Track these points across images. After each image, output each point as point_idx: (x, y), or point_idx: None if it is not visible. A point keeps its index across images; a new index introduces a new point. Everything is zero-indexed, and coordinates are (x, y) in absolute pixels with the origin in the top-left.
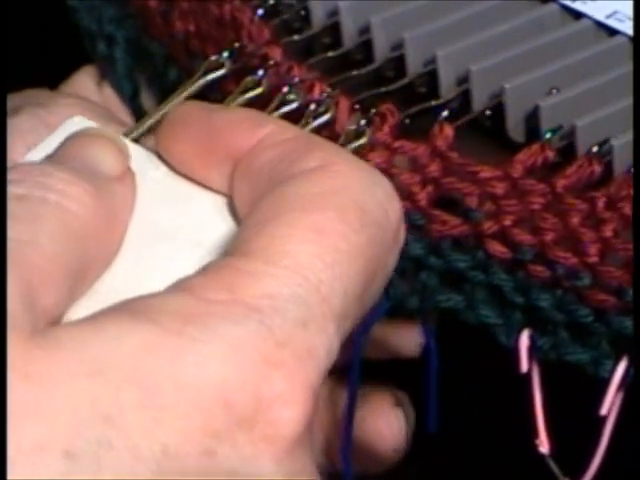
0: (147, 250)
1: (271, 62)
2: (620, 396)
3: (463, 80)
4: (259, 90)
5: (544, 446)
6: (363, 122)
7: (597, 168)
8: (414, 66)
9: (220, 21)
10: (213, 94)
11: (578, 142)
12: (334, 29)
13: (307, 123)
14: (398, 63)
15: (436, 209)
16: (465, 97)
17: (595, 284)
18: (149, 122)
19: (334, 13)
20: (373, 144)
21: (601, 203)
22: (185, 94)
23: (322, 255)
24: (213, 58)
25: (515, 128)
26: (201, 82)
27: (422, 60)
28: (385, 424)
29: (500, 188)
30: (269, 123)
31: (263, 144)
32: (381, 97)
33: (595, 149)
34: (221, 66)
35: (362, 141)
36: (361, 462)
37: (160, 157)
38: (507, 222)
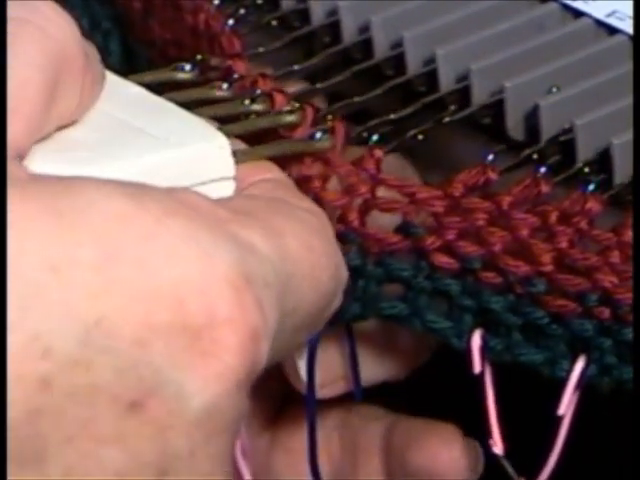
0: (112, 131)
1: (235, 76)
2: (577, 395)
3: (463, 79)
4: (225, 93)
5: (498, 446)
6: (319, 134)
7: (545, 189)
8: (414, 65)
9: (195, 30)
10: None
11: (578, 141)
12: (334, 28)
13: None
14: (398, 62)
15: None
16: (465, 95)
17: (551, 290)
18: None
19: (334, 12)
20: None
21: (553, 217)
22: (150, 78)
23: (305, 260)
24: (181, 65)
25: (515, 127)
26: (167, 77)
27: (422, 59)
28: (459, 453)
29: (440, 206)
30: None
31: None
32: (381, 96)
33: (543, 170)
34: (186, 72)
35: (325, 145)
36: None
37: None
38: (450, 236)
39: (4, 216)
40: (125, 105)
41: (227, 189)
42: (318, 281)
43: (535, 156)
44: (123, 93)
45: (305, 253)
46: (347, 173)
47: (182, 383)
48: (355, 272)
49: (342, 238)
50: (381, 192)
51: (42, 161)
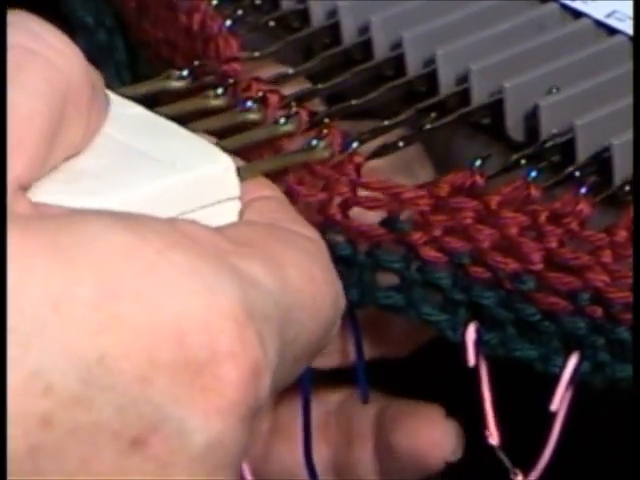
0: (118, 157)
1: (231, 80)
2: (570, 392)
3: (463, 79)
4: (219, 102)
5: (494, 438)
6: (314, 142)
7: (534, 193)
8: (414, 65)
9: (189, 31)
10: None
11: (578, 141)
12: (334, 29)
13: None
14: (398, 62)
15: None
16: (465, 96)
17: (541, 288)
18: None
19: (334, 13)
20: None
21: (543, 217)
22: (144, 90)
23: (306, 291)
24: (175, 72)
25: (515, 127)
26: (161, 86)
27: (422, 59)
28: (441, 434)
29: (426, 205)
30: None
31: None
32: (381, 96)
33: (534, 174)
34: (181, 79)
35: (324, 154)
36: (405, 474)
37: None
38: (437, 232)
39: (4, 252)
40: (127, 127)
41: (233, 209)
42: (318, 310)
43: (523, 161)
44: (124, 114)
45: (306, 283)
46: (327, 176)
47: (184, 419)
48: (347, 261)
49: (323, 229)
50: (365, 193)
51: (47, 192)
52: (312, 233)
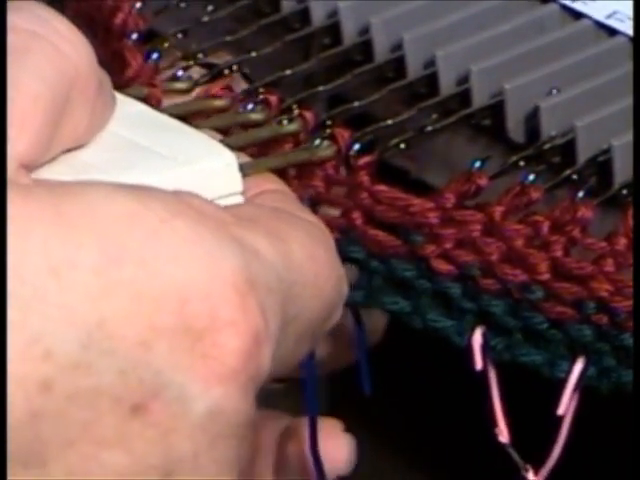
0: (121, 151)
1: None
2: (577, 396)
3: (463, 80)
4: (223, 102)
5: (503, 435)
6: (317, 141)
7: (535, 195)
8: (414, 67)
9: (115, 55)
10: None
11: (578, 142)
12: (334, 29)
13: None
14: (398, 64)
15: (372, 228)
16: (465, 97)
17: (549, 297)
18: None
19: (334, 13)
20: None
21: (545, 227)
22: (147, 91)
23: (309, 268)
24: (173, 72)
25: (515, 129)
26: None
27: (422, 61)
28: (335, 447)
29: (434, 218)
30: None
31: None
32: (382, 97)
33: (532, 177)
34: (179, 80)
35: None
36: None
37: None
38: (448, 245)
39: (4, 218)
40: (130, 123)
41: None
42: (320, 290)
43: (522, 163)
44: (127, 111)
45: (309, 261)
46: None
47: (184, 385)
48: (359, 264)
49: (344, 233)
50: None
51: None
52: (315, 219)
